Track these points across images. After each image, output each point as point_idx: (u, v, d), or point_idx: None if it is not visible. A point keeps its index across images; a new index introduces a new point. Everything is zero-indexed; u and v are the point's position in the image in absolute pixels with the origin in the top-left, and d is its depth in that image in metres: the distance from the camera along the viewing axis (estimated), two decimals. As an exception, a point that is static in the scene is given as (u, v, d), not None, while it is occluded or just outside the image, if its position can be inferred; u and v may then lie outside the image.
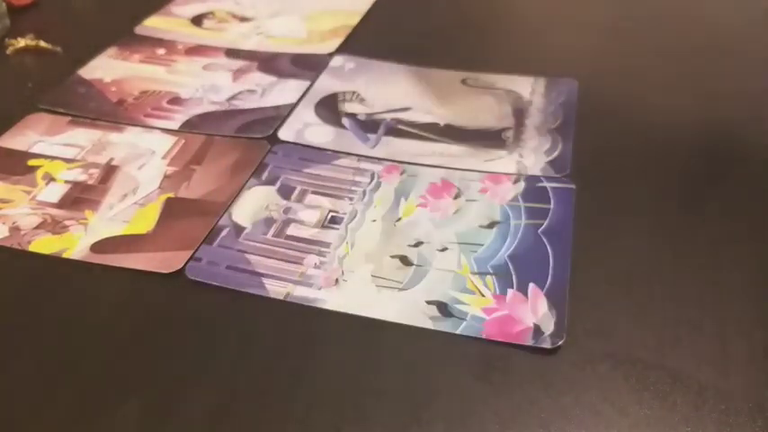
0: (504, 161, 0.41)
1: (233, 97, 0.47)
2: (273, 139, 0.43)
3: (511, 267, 0.33)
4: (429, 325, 0.31)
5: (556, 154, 0.41)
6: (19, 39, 0.54)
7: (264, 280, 0.33)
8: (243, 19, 0.58)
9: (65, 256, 0.35)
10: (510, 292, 0.32)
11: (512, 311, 0.31)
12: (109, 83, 0.49)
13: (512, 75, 0.49)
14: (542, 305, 0.31)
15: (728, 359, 0.29)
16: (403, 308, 0.31)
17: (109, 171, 0.41)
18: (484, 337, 0.30)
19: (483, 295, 0.32)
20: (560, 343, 0.30)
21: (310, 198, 0.38)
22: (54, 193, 0.39)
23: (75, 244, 0.35)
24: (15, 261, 0.35)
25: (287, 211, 0.37)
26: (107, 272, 0.34)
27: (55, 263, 0.34)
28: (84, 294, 0.33)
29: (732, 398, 0.28)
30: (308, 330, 0.31)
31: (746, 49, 0.52)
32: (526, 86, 0.48)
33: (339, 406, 0.27)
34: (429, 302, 0.32)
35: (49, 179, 0.40)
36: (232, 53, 0.53)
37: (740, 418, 0.27)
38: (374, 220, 0.36)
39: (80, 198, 0.39)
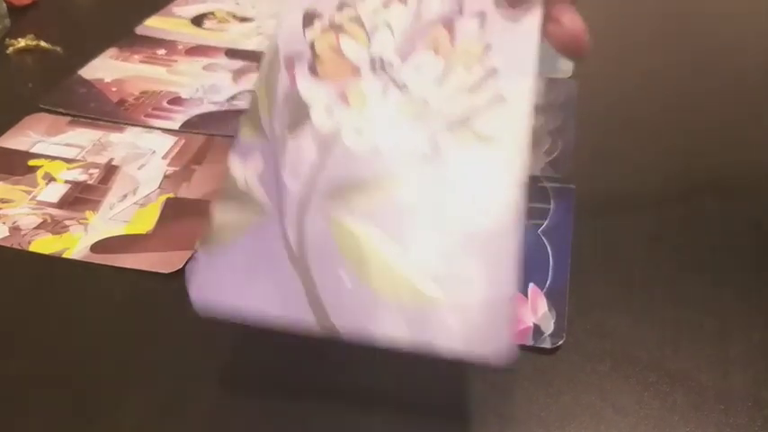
0: (503, 161, 0.41)
1: (233, 97, 0.47)
2: (273, 140, 0.43)
3: (511, 267, 0.33)
4: (429, 325, 0.31)
5: (556, 154, 0.41)
6: (19, 39, 0.54)
7: (264, 280, 0.33)
8: (243, 19, 0.58)
9: (65, 256, 0.35)
10: (510, 292, 0.32)
11: (511, 311, 0.31)
12: (109, 83, 0.49)
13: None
14: (542, 305, 0.31)
15: (728, 359, 0.29)
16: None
17: (109, 171, 0.41)
18: (484, 336, 0.30)
19: (483, 295, 0.32)
20: (560, 343, 0.30)
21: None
22: (54, 193, 0.39)
23: (76, 244, 0.35)
24: (15, 261, 0.35)
25: (287, 211, 0.37)
26: (107, 272, 0.34)
27: (55, 263, 0.34)
28: (84, 294, 0.33)
29: (732, 398, 0.28)
30: (308, 330, 0.31)
31: (749, 49, 0.52)
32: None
33: (340, 405, 0.28)
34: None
35: (50, 179, 0.40)
36: (232, 53, 0.53)
37: (740, 419, 0.27)
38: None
39: (80, 198, 0.39)
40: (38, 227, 0.37)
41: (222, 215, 0.26)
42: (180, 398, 0.28)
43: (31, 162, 0.41)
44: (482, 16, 0.27)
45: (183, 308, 0.32)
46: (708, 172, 0.40)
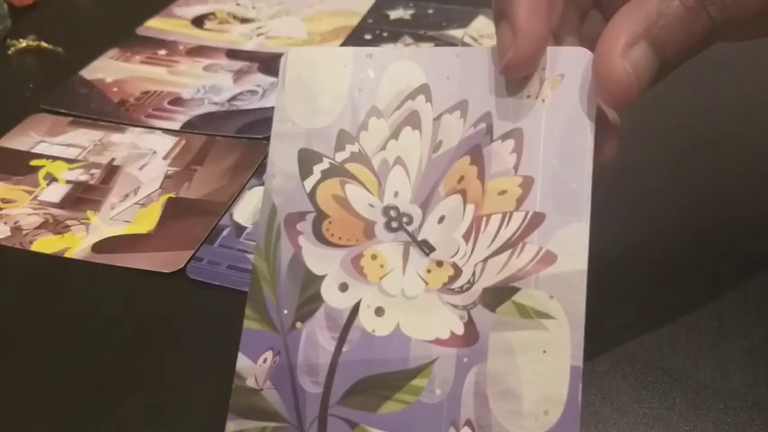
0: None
1: (234, 98, 0.47)
2: (274, 140, 0.43)
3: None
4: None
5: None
6: (20, 39, 0.54)
7: (265, 279, 0.33)
8: (244, 20, 0.59)
9: (66, 255, 0.35)
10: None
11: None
12: (110, 83, 0.49)
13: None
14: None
15: (727, 358, 0.29)
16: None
17: (110, 171, 0.41)
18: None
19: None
20: (560, 342, 0.30)
21: (311, 198, 0.38)
22: (56, 193, 0.39)
23: (77, 244, 0.36)
24: (17, 261, 0.35)
25: (288, 211, 0.37)
26: (108, 271, 0.34)
27: (57, 263, 0.35)
28: (85, 294, 0.33)
29: (730, 397, 0.28)
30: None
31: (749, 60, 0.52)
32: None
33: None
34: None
35: (51, 179, 0.40)
36: (233, 54, 0.53)
37: (738, 418, 0.27)
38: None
39: (82, 198, 0.39)
40: (39, 227, 0.37)
41: (237, 427, 0.24)
42: (180, 398, 0.28)
43: (33, 162, 0.42)
44: (518, 136, 0.23)
45: (183, 307, 0.32)
46: (711, 170, 0.40)
